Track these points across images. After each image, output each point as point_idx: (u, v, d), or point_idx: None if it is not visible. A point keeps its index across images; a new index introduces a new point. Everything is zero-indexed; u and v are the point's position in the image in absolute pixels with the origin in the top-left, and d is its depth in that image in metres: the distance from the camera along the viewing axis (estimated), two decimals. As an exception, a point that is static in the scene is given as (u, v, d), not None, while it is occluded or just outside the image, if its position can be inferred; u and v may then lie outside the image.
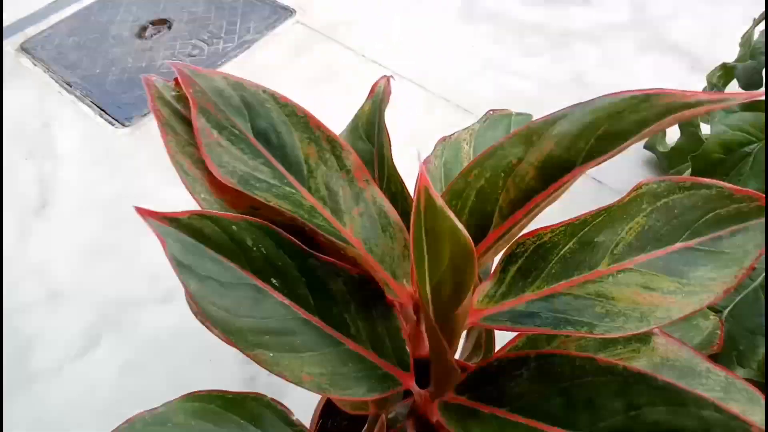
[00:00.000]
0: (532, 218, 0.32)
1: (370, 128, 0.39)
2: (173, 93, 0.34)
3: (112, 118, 1.03)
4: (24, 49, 1.17)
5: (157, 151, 0.98)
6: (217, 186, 0.32)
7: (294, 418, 0.36)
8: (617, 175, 0.85)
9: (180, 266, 0.28)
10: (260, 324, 0.31)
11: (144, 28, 1.20)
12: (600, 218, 0.33)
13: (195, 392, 0.33)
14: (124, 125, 1.02)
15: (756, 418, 0.28)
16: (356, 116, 0.40)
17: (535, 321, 0.31)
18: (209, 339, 0.51)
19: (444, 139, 0.45)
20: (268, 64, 1.10)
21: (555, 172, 0.29)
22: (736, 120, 0.45)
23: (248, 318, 0.30)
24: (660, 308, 0.30)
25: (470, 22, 1.15)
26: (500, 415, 0.30)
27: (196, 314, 0.34)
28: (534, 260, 0.33)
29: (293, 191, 0.34)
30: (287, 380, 0.31)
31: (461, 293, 0.28)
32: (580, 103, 0.27)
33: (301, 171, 0.34)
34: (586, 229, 0.33)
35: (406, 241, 0.39)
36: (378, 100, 0.38)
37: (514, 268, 0.34)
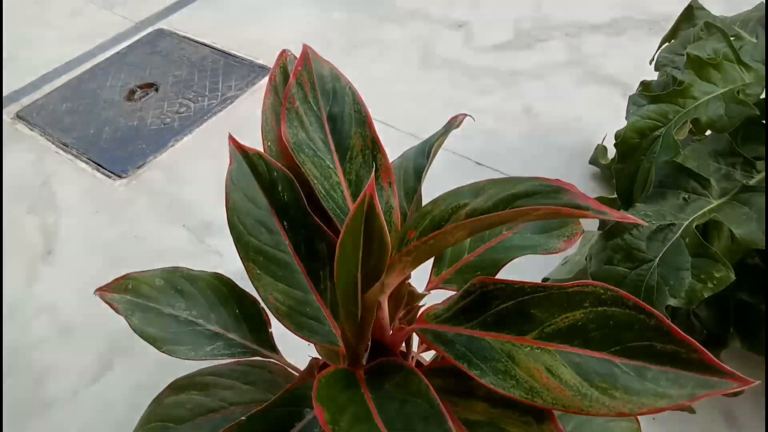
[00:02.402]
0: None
1: (431, 149, 0.49)
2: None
3: (109, 171, 1.11)
4: (20, 116, 1.26)
5: (153, 197, 1.06)
6: (281, 141, 0.43)
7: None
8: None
9: (232, 183, 0.40)
10: (262, 248, 0.42)
11: (133, 92, 1.30)
12: (541, 293, 0.35)
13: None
14: (120, 177, 1.10)
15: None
16: (428, 140, 0.50)
17: (449, 348, 0.36)
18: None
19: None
20: (249, 116, 1.21)
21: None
22: (645, 111, 0.57)
23: (257, 240, 0.42)
24: (551, 392, 0.33)
25: (430, 70, 1.30)
26: None
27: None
28: (477, 303, 0.37)
29: (331, 167, 0.44)
30: (258, 294, 0.42)
31: (377, 280, 0.34)
32: (512, 179, 0.33)
33: (345, 155, 0.45)
34: (525, 297, 0.36)
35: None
36: (443, 131, 0.48)
37: (463, 303, 0.38)
